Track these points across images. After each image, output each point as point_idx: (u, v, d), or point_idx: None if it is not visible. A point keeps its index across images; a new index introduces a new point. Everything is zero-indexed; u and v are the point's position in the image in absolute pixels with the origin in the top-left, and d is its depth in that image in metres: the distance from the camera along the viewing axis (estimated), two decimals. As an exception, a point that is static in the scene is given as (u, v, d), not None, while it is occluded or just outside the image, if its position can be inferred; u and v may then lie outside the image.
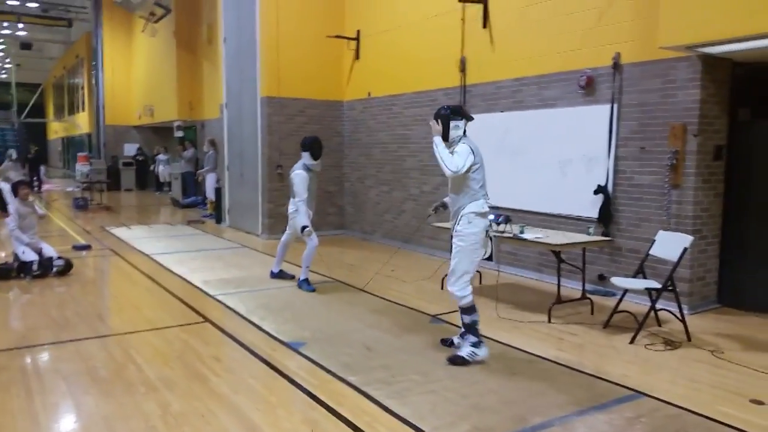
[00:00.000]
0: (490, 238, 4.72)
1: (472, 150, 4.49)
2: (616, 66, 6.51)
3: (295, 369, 4.43)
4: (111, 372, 4.35)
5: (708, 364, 4.62)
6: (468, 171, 4.46)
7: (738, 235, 6.21)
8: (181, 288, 6.99)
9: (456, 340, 4.81)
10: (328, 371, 4.37)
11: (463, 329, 4.66)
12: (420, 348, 4.92)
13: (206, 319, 5.72)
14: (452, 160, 4.43)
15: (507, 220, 6.06)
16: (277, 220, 10.49)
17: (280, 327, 5.42)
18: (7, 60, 33.27)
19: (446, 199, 5.05)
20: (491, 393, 4.01)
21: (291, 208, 6.85)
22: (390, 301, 6.45)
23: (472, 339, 4.55)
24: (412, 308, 6.15)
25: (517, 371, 4.42)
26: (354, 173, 11.25)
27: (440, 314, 5.89)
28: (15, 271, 7.22)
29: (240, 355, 4.82)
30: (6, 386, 4.07)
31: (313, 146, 6.75)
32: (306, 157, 6.73)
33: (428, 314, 5.91)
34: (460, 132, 4.60)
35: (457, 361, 4.49)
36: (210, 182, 13.78)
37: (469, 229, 4.51)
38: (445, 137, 4.56)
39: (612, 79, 6.57)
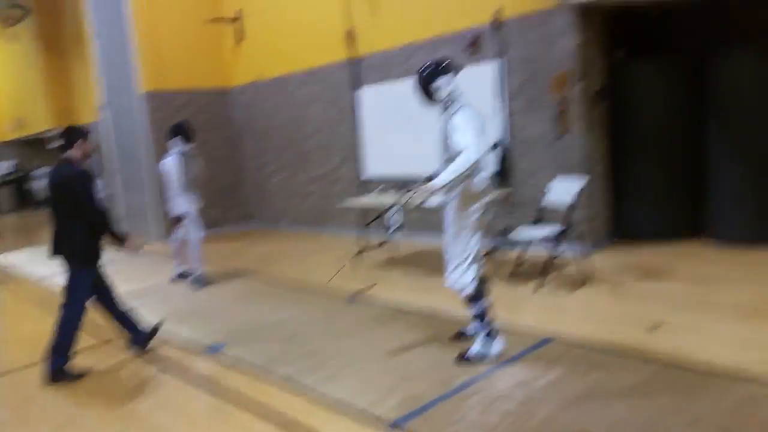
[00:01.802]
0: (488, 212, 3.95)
1: (474, 113, 3.74)
2: (498, 22, 6.65)
3: (218, 373, 4.28)
4: (11, 412, 4.00)
5: (610, 297, 4.92)
6: None
7: (624, 172, 6.62)
8: (82, 308, 6.54)
9: (470, 329, 4.21)
10: (253, 368, 4.25)
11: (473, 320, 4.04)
12: (343, 329, 4.90)
13: (113, 338, 5.39)
14: (467, 151, 3.53)
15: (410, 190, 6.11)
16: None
17: (196, 332, 5.21)
18: None
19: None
20: (417, 360, 4.07)
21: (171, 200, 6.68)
22: (306, 287, 6.37)
23: (484, 330, 3.93)
24: (330, 290, 6.10)
25: (439, 335, 4.50)
26: (252, 162, 10.94)
27: (358, 292, 5.88)
28: None
29: (156, 369, 4.59)
30: None
31: (182, 130, 6.55)
32: (177, 143, 6.52)
33: (346, 294, 5.89)
34: (447, 90, 3.75)
35: (465, 359, 3.92)
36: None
37: (468, 208, 3.81)
38: (432, 99, 3.83)
39: (496, 36, 6.72)
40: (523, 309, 4.92)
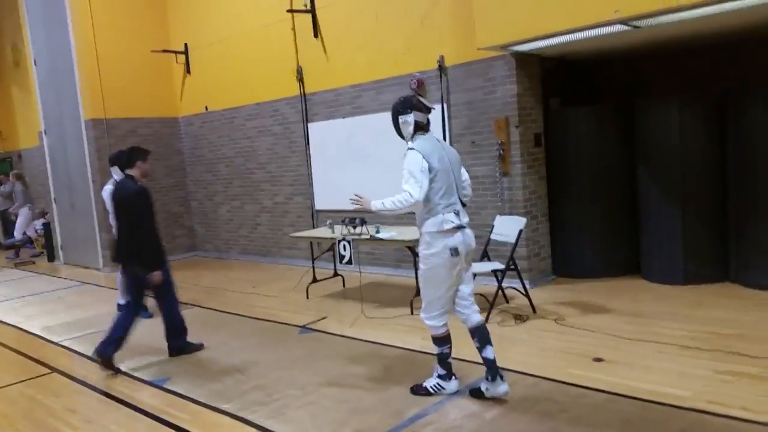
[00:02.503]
0: (456, 254, 3.77)
1: (423, 155, 3.72)
2: (441, 68, 6.96)
3: (163, 407, 4.20)
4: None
5: (554, 331, 5.14)
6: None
7: (562, 212, 6.96)
8: (17, 339, 6.29)
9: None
10: (200, 403, 4.20)
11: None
12: (293, 361, 4.91)
13: (53, 369, 5.21)
14: (405, 192, 3.67)
15: (363, 222, 6.27)
16: (120, 251, 9.81)
17: (140, 365, 5.11)
18: None
19: None
20: (368, 394, 4.13)
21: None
22: (257, 318, 6.34)
23: (440, 371, 3.99)
24: (279, 322, 6.09)
25: (390, 367, 4.59)
26: (200, 191, 10.84)
27: (309, 324, 5.91)
28: None
29: (98, 402, 4.47)
30: None
31: (121, 159, 6.43)
32: (116, 172, 6.42)
33: (297, 326, 5.90)
34: (411, 128, 3.86)
35: (419, 391, 4.01)
36: (22, 219, 12.62)
37: (428, 251, 3.77)
38: (402, 137, 3.97)
39: (439, 81, 7.02)
40: (472, 341, 5.04)
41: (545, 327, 5.27)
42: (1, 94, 15.54)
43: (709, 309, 5.43)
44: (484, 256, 6.01)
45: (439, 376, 3.99)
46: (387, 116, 7.39)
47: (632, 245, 6.82)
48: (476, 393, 3.90)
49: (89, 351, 5.58)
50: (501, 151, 6.57)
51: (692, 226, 6.26)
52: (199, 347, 5.37)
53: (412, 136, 3.88)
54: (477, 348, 3.88)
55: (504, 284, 5.78)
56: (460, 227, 3.75)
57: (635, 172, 6.70)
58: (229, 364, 4.94)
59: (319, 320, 6.01)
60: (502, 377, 3.83)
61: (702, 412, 3.47)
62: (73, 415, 4.26)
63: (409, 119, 3.86)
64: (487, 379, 3.83)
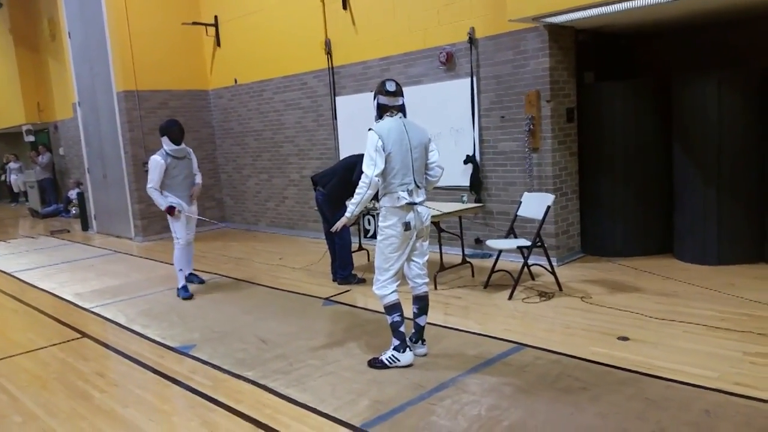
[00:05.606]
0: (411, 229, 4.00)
1: (380, 136, 3.90)
2: (472, 41, 6.82)
3: (187, 373, 4.29)
4: (-22, 407, 3.96)
5: (579, 309, 5.06)
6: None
7: (593, 189, 6.80)
8: (51, 304, 6.48)
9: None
10: (223, 370, 4.27)
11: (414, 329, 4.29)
12: (315, 332, 4.95)
13: (84, 334, 5.36)
14: (362, 174, 3.93)
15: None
16: (150, 221, 10.02)
17: (167, 332, 5.21)
18: None
19: None
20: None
21: None
22: (281, 289, 6.40)
23: (395, 342, 4.11)
24: (304, 294, 6.14)
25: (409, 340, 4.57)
26: (229, 164, 10.93)
27: (332, 296, 5.94)
28: None
29: (125, 367, 4.58)
30: None
31: (169, 130, 6.31)
32: (165, 142, 6.35)
33: (320, 297, 5.94)
34: (375, 111, 4.08)
35: (376, 364, 4.11)
36: None
37: (384, 223, 4.02)
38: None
39: (469, 54, 6.87)
40: (495, 316, 5.03)
41: (571, 305, 5.19)
42: (39, 67, 15.87)
43: (743, 290, 5.27)
44: (510, 233, 5.92)
45: (394, 348, 4.10)
46: (416, 90, 7.43)
47: (665, 224, 6.65)
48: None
49: (118, 317, 5.75)
50: (531, 126, 6.44)
51: (728, 206, 6.06)
52: (361, 281, 6.27)
53: (379, 118, 4.07)
54: (414, 313, 4.25)
55: (530, 261, 5.70)
56: (412, 204, 3.97)
57: (671, 149, 6.49)
58: (253, 333, 5.00)
59: (342, 293, 6.04)
60: (423, 341, 4.28)
61: (728, 393, 3.38)
62: (101, 378, 4.37)
63: (374, 104, 4.10)
64: (411, 339, 4.22)
